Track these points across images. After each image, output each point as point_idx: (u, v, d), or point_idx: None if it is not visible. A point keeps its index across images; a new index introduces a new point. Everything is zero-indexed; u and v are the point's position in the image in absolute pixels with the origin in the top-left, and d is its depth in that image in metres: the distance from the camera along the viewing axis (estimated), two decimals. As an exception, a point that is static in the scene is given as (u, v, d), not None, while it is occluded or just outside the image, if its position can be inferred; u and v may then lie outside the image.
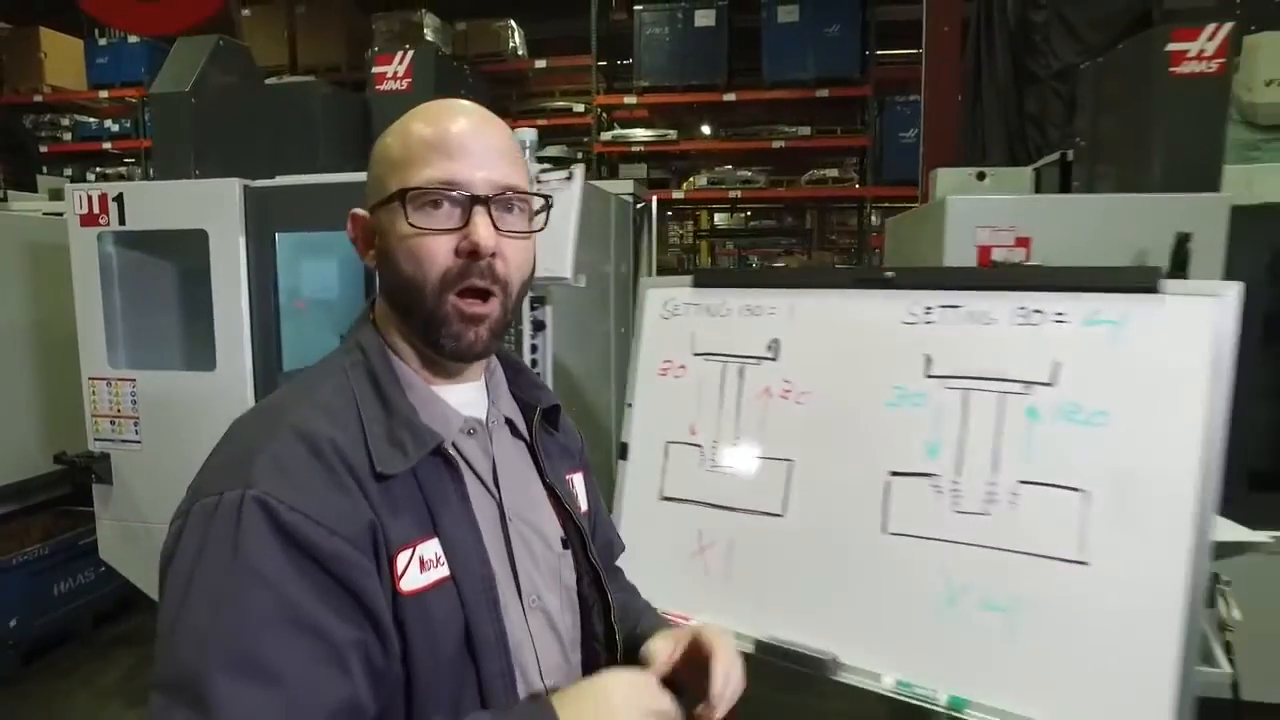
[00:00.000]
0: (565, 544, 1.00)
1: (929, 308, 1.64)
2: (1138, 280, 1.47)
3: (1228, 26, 2.15)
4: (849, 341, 1.73)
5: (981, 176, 3.07)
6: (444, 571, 0.84)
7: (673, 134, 7.95)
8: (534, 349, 1.98)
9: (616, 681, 0.86)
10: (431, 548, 0.85)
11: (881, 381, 1.66)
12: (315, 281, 2.95)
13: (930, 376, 1.61)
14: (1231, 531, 1.60)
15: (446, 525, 0.86)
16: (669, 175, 8.33)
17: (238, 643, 0.72)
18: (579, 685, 0.88)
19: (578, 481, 1.07)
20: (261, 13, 9.51)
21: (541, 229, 0.93)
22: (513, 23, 9.28)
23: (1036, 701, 1.41)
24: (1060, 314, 1.51)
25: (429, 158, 0.85)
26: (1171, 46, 2.18)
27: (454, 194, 0.85)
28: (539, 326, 1.90)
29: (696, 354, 1.91)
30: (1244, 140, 4.73)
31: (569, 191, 1.82)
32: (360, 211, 0.92)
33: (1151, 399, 1.41)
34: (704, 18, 7.15)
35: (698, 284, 1.96)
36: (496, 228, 0.86)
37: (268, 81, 3.08)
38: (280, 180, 2.52)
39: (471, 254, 0.85)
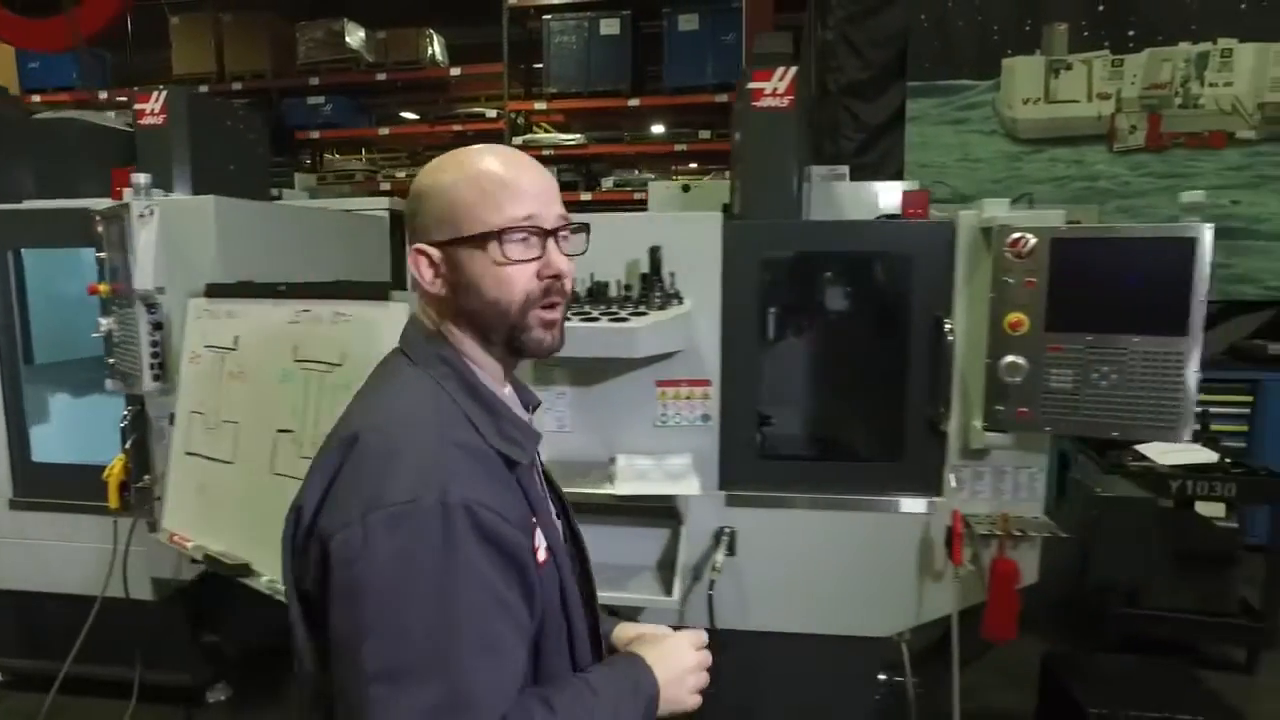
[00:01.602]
0: (556, 517, 1.17)
1: (300, 310, 2.29)
2: (375, 292, 2.17)
3: (793, 70, 2.47)
4: (265, 335, 2.33)
5: (686, 189, 3.50)
6: (546, 546, 1.00)
7: (579, 138, 8.10)
8: (154, 345, 2.53)
9: (672, 634, 1.12)
10: (538, 528, 1.01)
11: (276, 365, 2.28)
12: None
13: (296, 360, 2.23)
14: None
15: (540, 508, 1.03)
16: (578, 178, 8.39)
17: (478, 626, 0.85)
18: (645, 638, 1.13)
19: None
20: (188, 21, 9.61)
21: (584, 251, 1.10)
22: (432, 31, 9.76)
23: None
24: (340, 314, 2.18)
25: (507, 199, 0.99)
26: (752, 85, 2.50)
27: (536, 229, 1.00)
28: (158, 326, 2.55)
29: (206, 346, 2.53)
30: (1008, 153, 5.36)
31: (151, 223, 2.45)
32: (428, 248, 1.02)
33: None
34: (609, 26, 7.33)
35: (208, 294, 2.62)
36: (564, 253, 1.04)
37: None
38: (28, 204, 3.10)
39: (554, 278, 1.02)
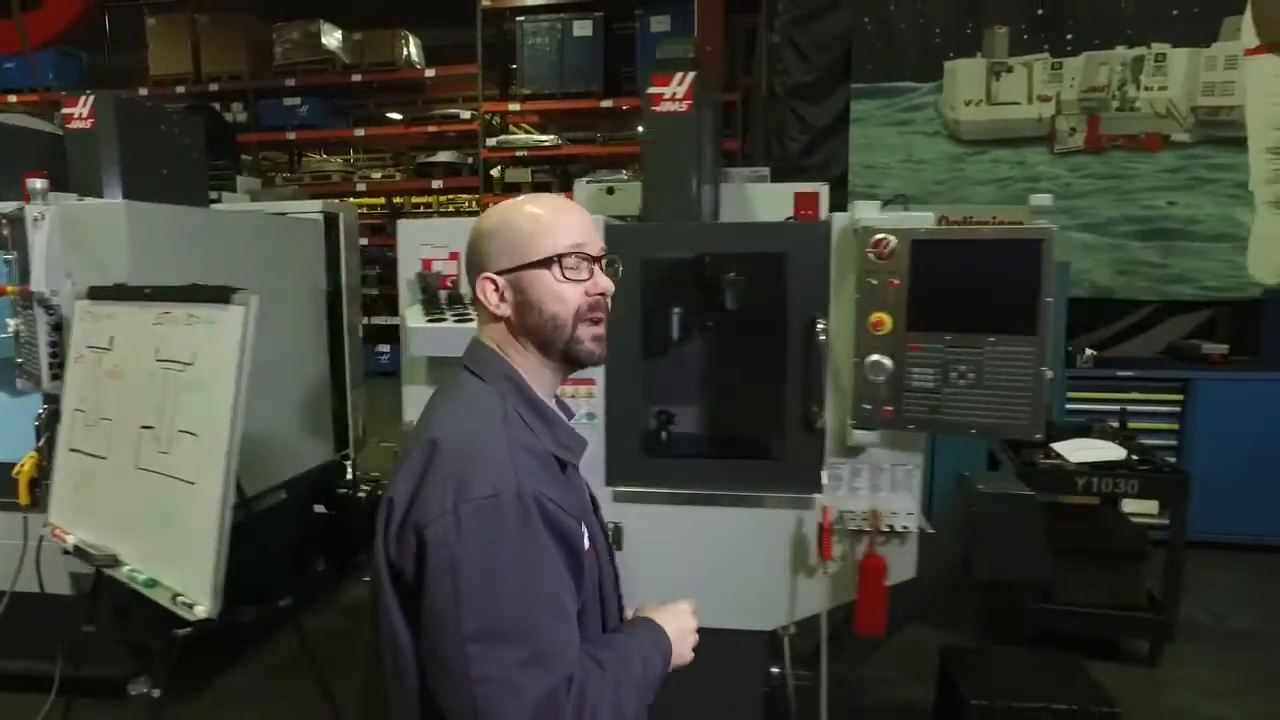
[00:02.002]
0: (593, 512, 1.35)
1: (161, 312, 2.39)
2: (219, 295, 2.20)
3: (692, 75, 2.51)
4: (133, 336, 2.43)
5: (611, 190, 3.55)
6: (588, 538, 1.17)
7: (553, 139, 8.13)
8: (53, 345, 2.67)
9: (676, 606, 1.34)
10: (584, 523, 1.17)
11: (141, 364, 2.37)
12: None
13: (157, 360, 2.33)
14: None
15: (585, 505, 1.22)
16: (553, 179, 8.45)
17: (552, 595, 1.05)
18: (657, 608, 1.32)
19: None
20: (165, 22, 9.67)
21: (619, 276, 1.29)
22: (408, 33, 9.84)
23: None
24: (192, 315, 2.27)
25: (564, 232, 1.19)
26: (652, 90, 2.54)
27: (585, 255, 1.19)
28: (56, 327, 2.68)
29: (88, 346, 2.62)
30: (951, 154, 5.46)
31: (43, 227, 2.55)
32: (494, 276, 1.20)
33: (226, 371, 2.08)
34: (582, 28, 7.41)
35: (90, 297, 2.68)
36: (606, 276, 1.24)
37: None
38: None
39: (600, 294, 1.21)
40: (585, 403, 2.61)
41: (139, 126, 3.44)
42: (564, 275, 1.18)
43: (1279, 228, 5.18)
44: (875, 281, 2.27)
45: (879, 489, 2.52)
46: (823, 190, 3.22)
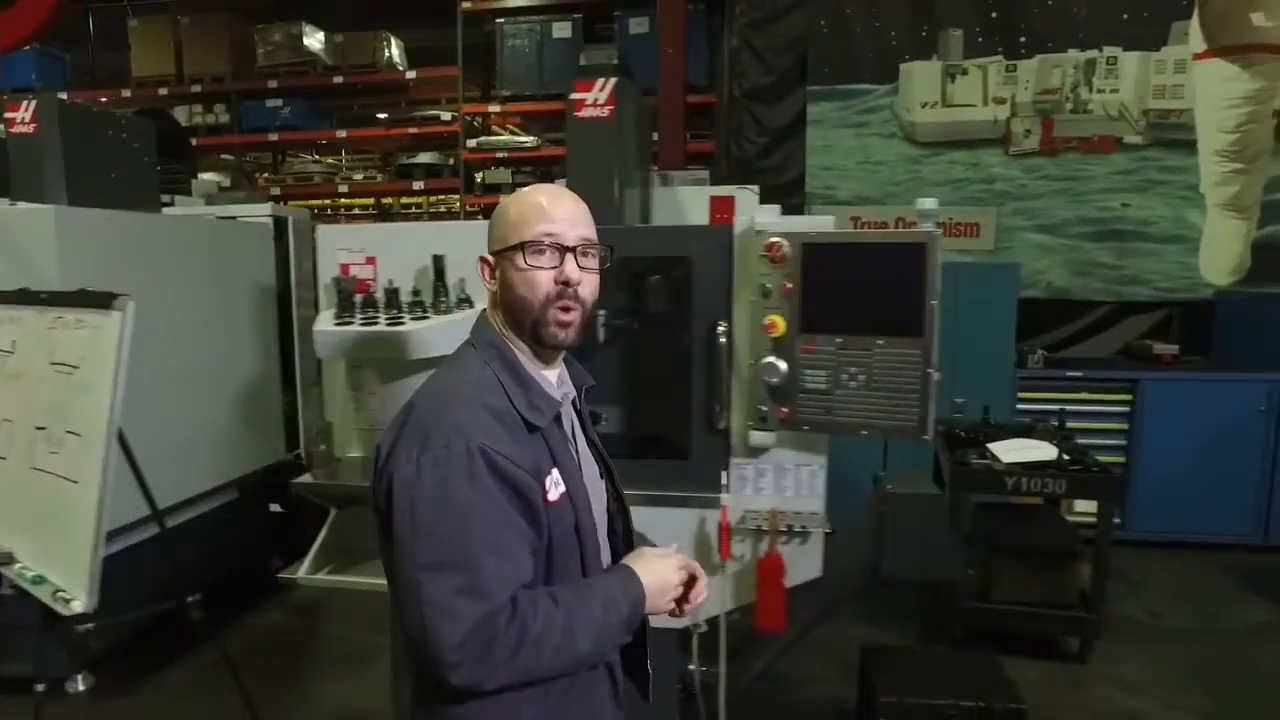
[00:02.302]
0: (602, 475, 1.47)
1: (55, 316, 2.35)
2: (102, 300, 2.20)
3: (614, 81, 2.55)
4: (32, 340, 2.41)
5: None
6: (563, 488, 1.27)
7: (531, 140, 8.36)
8: None
9: (657, 550, 1.38)
10: (557, 474, 1.27)
11: (38, 367, 2.34)
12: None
13: (50, 363, 2.30)
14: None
15: (561, 459, 1.29)
16: (534, 180, 8.85)
17: (490, 534, 1.16)
18: (637, 553, 1.38)
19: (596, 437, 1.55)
20: (147, 23, 9.72)
21: (608, 266, 1.37)
22: (390, 35, 9.87)
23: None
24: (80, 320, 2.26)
25: (537, 221, 1.28)
26: (575, 95, 2.59)
27: (551, 243, 1.27)
28: None
29: None
30: (907, 155, 5.48)
31: None
32: (487, 256, 1.34)
33: (108, 374, 2.11)
34: (561, 30, 7.35)
35: None
36: (579, 267, 1.29)
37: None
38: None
39: (564, 283, 1.27)
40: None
41: (83, 130, 3.48)
42: (526, 262, 1.27)
43: (1229, 229, 5.22)
44: (769, 285, 2.32)
45: (783, 489, 2.57)
46: (740, 193, 3.25)
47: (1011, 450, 3.68)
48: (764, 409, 2.36)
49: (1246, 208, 5.19)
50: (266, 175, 11.14)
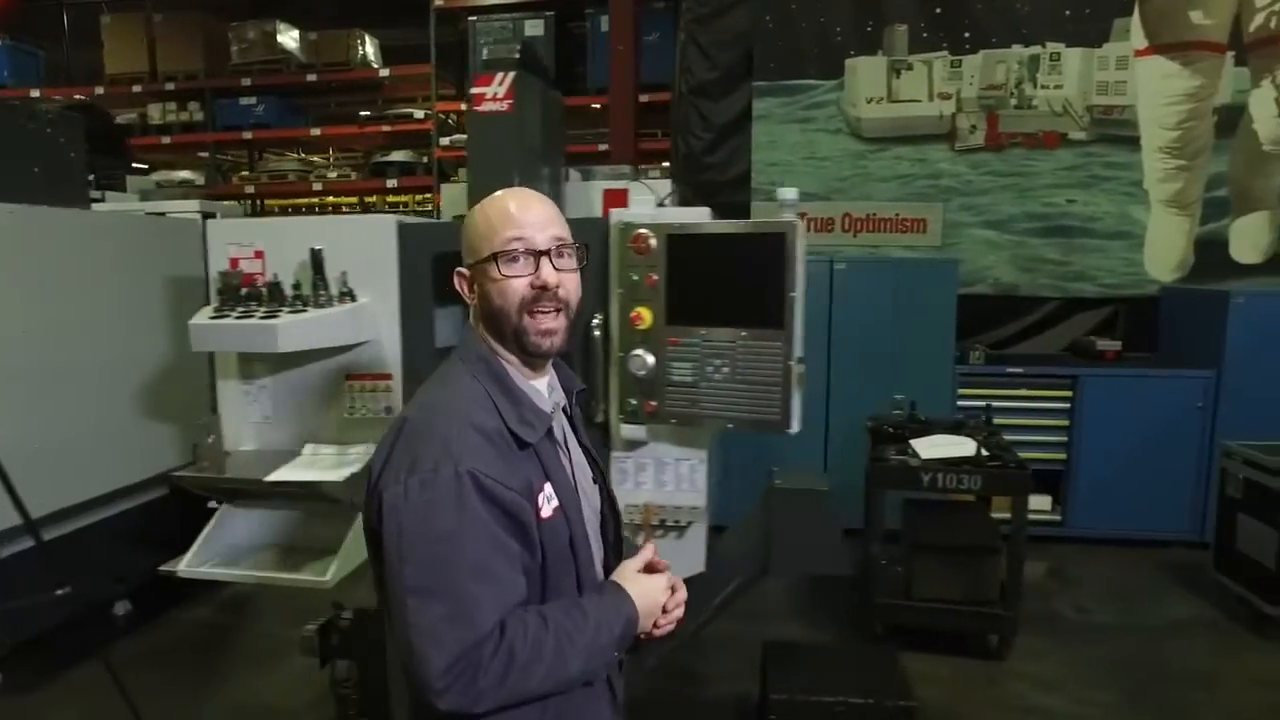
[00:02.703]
0: (594, 481, 1.45)
1: None
2: None
3: (512, 75, 2.57)
4: None
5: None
6: (556, 503, 1.26)
7: None
8: None
9: (653, 578, 1.35)
10: (549, 489, 1.26)
11: None
12: None
13: None
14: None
15: (554, 473, 1.28)
16: None
17: (477, 560, 1.15)
18: (629, 574, 1.34)
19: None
20: (120, 20, 9.70)
21: (585, 265, 1.35)
22: (364, 33, 9.87)
23: None
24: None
25: (505, 228, 1.26)
26: (474, 90, 2.61)
27: (525, 250, 1.25)
28: None
29: None
30: (853, 151, 5.44)
31: None
32: (463, 269, 1.33)
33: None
34: (533, 27, 7.22)
35: None
36: (555, 269, 1.27)
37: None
38: None
39: (542, 288, 1.25)
40: (384, 396, 2.67)
41: (3, 125, 3.48)
42: (500, 272, 1.25)
43: (1173, 226, 5.19)
44: (636, 277, 2.31)
45: (664, 484, 2.56)
46: (634, 186, 3.24)
47: (932, 446, 3.67)
48: (633, 402, 2.36)
49: (1189, 204, 5.16)
50: (243, 174, 11.19)
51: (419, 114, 9.49)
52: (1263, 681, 3.39)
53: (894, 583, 3.74)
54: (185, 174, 10.46)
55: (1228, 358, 4.64)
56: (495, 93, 2.72)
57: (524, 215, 1.27)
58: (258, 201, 11.31)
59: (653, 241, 2.28)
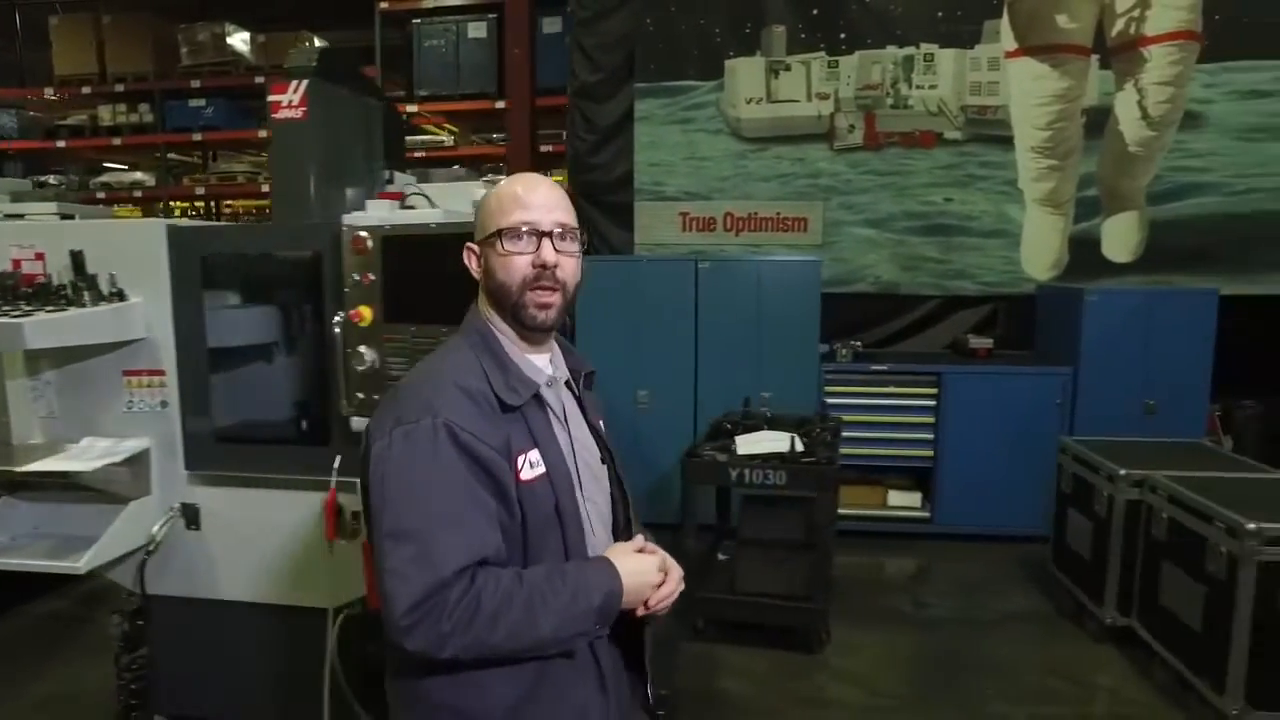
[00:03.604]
0: (603, 461, 1.50)
1: None
2: None
3: (306, 83, 2.62)
4: None
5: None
6: (542, 469, 1.32)
7: (448, 139, 8.36)
8: None
9: (649, 554, 1.38)
10: (535, 455, 1.31)
11: None
12: None
13: None
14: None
15: (542, 441, 1.34)
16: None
17: (447, 507, 1.21)
18: (619, 547, 1.38)
19: (602, 424, 1.57)
20: (68, 21, 9.79)
21: (586, 250, 1.44)
22: (313, 35, 9.97)
23: None
24: None
25: (513, 209, 1.34)
26: (271, 98, 2.66)
27: (527, 229, 1.34)
28: None
29: None
30: (734, 151, 5.49)
31: None
32: (473, 245, 1.42)
33: None
34: (476, 30, 7.31)
35: None
36: (556, 250, 1.34)
37: None
38: None
39: (542, 266, 1.33)
40: (159, 391, 2.76)
41: None
42: (504, 248, 1.34)
43: (1047, 225, 5.24)
44: (357, 276, 2.39)
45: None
46: (410, 187, 3.30)
47: (751, 442, 3.74)
48: (360, 396, 2.44)
49: (1063, 203, 5.21)
50: (195, 175, 11.32)
51: None
52: (1058, 671, 3.45)
53: (723, 577, 3.81)
54: (139, 176, 10.57)
55: (1083, 355, 4.69)
56: (290, 100, 2.79)
57: (531, 197, 1.36)
58: (212, 203, 11.42)
59: (370, 243, 2.36)
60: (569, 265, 1.37)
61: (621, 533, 1.48)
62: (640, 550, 1.39)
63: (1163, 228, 5.14)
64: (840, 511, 5.02)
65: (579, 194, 5.74)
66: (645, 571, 1.35)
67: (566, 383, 1.49)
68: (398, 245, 2.35)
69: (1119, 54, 5.05)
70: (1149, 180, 5.13)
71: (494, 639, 1.19)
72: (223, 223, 8.78)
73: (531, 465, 1.30)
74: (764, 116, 5.44)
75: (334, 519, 2.52)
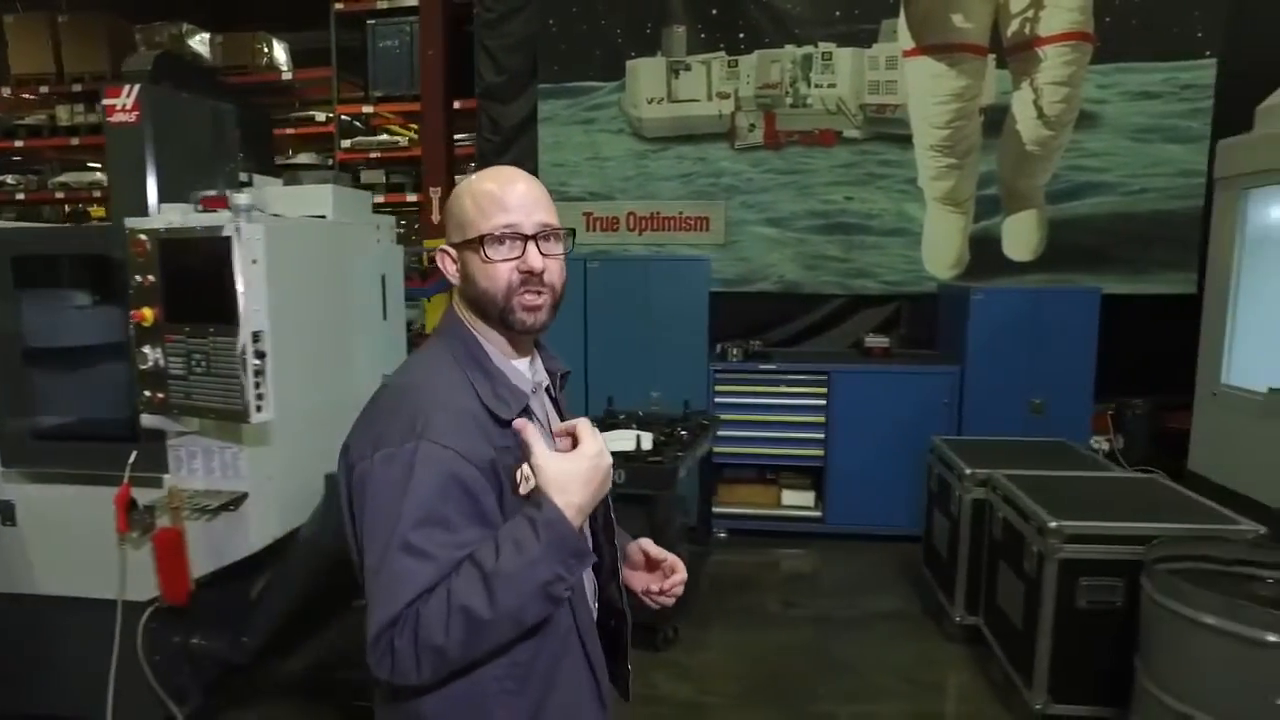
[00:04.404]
0: None
1: None
2: None
3: (138, 88, 2.68)
4: None
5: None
6: (534, 483, 1.20)
7: (403, 139, 8.33)
8: None
9: (559, 457, 1.20)
10: (526, 469, 1.22)
11: None
12: None
13: None
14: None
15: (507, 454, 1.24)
16: (407, 179, 8.22)
17: (413, 538, 1.13)
18: (539, 470, 1.18)
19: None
20: (24, 20, 9.84)
21: (571, 250, 1.33)
22: (270, 36, 10.01)
23: None
24: None
25: (494, 211, 1.25)
26: (107, 101, 2.71)
27: (512, 234, 1.25)
28: None
29: None
30: (636, 151, 5.51)
31: None
32: (447, 248, 1.32)
33: None
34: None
35: None
36: (542, 253, 1.26)
37: None
38: None
39: (528, 273, 1.26)
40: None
41: None
42: (486, 255, 1.25)
43: (948, 223, 5.25)
44: (140, 279, 2.44)
45: (212, 470, 2.69)
46: (242, 193, 3.33)
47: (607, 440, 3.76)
48: (147, 395, 2.48)
49: (962, 202, 5.22)
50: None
51: (321, 116, 9.56)
52: (902, 670, 3.47)
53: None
54: (99, 176, 10.63)
55: (969, 354, 4.70)
56: (124, 104, 2.83)
57: (510, 199, 1.27)
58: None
59: (148, 245, 2.41)
60: (554, 267, 1.30)
61: (601, 531, 1.43)
62: (570, 443, 1.25)
63: (1062, 227, 5.15)
64: (737, 511, 5.12)
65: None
66: (572, 472, 1.18)
67: (546, 387, 1.45)
68: (173, 248, 2.39)
69: (1015, 54, 5.06)
70: (1047, 179, 5.13)
71: (449, 638, 1.12)
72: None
73: (528, 480, 1.23)
74: (665, 116, 5.46)
75: (125, 513, 2.56)
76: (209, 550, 2.74)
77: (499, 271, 1.25)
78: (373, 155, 8.36)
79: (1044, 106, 5.07)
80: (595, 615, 1.41)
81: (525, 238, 1.25)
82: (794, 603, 4.20)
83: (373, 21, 7.78)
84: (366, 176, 8.47)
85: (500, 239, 1.24)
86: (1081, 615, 2.85)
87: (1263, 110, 3.78)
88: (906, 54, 5.14)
